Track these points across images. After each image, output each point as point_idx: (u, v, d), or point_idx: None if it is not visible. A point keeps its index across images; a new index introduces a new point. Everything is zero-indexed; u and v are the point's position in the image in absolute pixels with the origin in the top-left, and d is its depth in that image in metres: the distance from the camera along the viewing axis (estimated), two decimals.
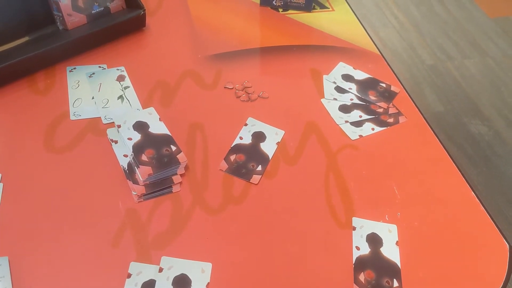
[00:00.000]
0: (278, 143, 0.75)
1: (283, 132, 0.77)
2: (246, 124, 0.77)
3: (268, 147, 0.74)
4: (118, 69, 0.82)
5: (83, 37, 0.82)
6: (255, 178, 0.70)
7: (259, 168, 0.72)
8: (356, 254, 0.64)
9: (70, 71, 0.80)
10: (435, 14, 2.86)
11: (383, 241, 0.66)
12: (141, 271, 0.59)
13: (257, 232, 0.64)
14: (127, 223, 0.63)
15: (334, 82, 0.87)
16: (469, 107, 2.30)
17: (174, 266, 0.60)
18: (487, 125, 2.21)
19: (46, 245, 0.60)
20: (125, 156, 0.70)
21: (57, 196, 0.65)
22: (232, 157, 0.72)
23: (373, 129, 0.80)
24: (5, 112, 0.74)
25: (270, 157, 0.73)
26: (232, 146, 0.74)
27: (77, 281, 0.57)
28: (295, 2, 0.99)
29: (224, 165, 0.71)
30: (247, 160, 0.72)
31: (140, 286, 0.58)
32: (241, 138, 0.75)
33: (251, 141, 0.75)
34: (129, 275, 0.59)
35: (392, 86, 0.87)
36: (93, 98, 0.77)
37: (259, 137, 0.76)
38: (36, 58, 0.78)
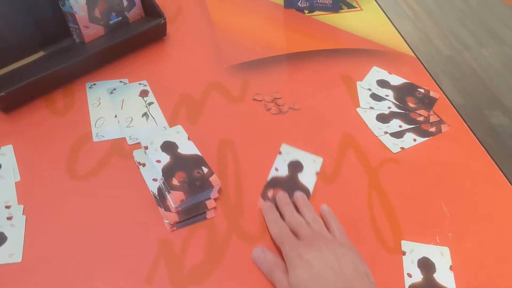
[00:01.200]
0: (317, 173, 0.68)
1: (321, 159, 0.70)
2: (280, 153, 0.70)
3: (307, 178, 0.68)
4: (140, 84, 0.77)
5: (102, 50, 0.77)
6: None
7: None
8: (408, 282, 0.59)
9: (89, 87, 0.76)
10: (449, 2, 2.78)
11: (436, 266, 0.61)
12: None
13: None
14: (161, 255, 0.59)
15: (369, 89, 0.81)
16: (489, 98, 2.23)
17: None
18: (509, 116, 2.15)
19: (75, 284, 0.56)
20: (155, 180, 0.65)
21: (83, 227, 0.60)
22: (270, 193, 0.66)
23: (415, 140, 0.75)
24: (23, 136, 0.69)
25: (311, 191, 0.66)
26: (268, 180, 0.67)
27: None
28: (321, 3, 0.93)
29: (262, 203, 0.65)
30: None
31: None
32: (276, 169, 0.68)
33: (287, 173, 0.68)
34: None
35: (431, 92, 0.82)
36: (116, 116, 0.72)
37: (296, 167, 0.69)
38: (54, 75, 0.73)
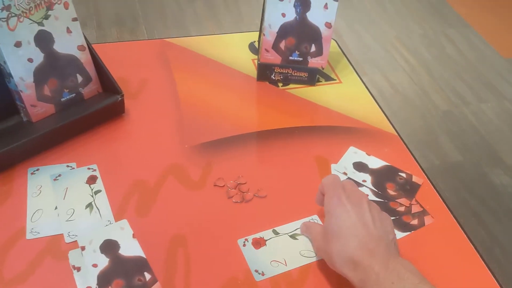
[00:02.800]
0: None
1: None
2: None
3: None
4: (89, 168, 0.70)
5: (50, 131, 0.70)
6: None
7: None
8: None
9: (32, 173, 0.68)
10: (446, 55, 2.75)
11: None
12: None
13: None
14: None
15: (345, 173, 0.74)
16: (489, 156, 2.15)
17: None
18: (510, 175, 2.06)
19: None
20: None
21: None
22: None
23: None
24: None
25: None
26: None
27: None
28: (296, 75, 0.87)
29: None
30: None
31: None
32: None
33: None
34: None
35: (413, 176, 0.74)
36: (56, 208, 0.64)
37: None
38: None
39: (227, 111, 0.82)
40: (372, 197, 0.71)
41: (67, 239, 0.61)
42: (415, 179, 0.74)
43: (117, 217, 0.64)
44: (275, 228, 0.66)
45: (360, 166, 0.75)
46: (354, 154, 0.77)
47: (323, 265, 0.62)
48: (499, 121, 2.34)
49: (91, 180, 0.68)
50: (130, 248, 0.59)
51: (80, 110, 0.74)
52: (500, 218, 1.85)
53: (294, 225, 0.66)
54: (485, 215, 1.90)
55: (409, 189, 0.72)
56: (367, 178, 0.73)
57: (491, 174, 2.07)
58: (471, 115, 2.37)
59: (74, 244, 0.61)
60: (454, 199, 1.89)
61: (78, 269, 0.58)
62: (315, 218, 0.67)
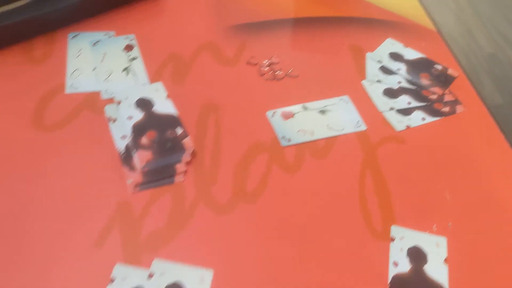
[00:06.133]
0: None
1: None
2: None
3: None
4: (127, 38, 0.71)
5: None
6: None
7: None
8: (392, 271, 0.52)
9: (72, 38, 0.70)
10: None
11: (428, 257, 0.53)
12: (127, 276, 0.49)
13: (271, 239, 0.53)
14: (117, 218, 0.53)
15: (380, 61, 0.73)
16: None
17: (167, 271, 0.50)
18: None
19: (14, 246, 0.51)
20: (124, 137, 0.59)
21: (38, 181, 0.55)
22: None
23: (423, 119, 0.66)
24: None
25: None
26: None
27: None
28: None
29: None
30: None
31: None
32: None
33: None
34: (111, 280, 0.48)
35: (449, 69, 0.73)
36: (94, 69, 0.67)
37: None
38: (34, 21, 0.68)
39: None
40: (404, 84, 0.70)
41: (104, 96, 0.64)
42: (450, 71, 0.73)
43: (152, 81, 0.66)
44: (305, 104, 0.66)
45: (396, 56, 0.74)
46: (391, 45, 0.76)
47: (348, 139, 0.63)
48: None
49: (128, 48, 0.70)
50: (164, 106, 0.62)
51: None
52: None
53: (324, 102, 0.67)
54: None
55: (444, 80, 0.71)
56: (401, 67, 0.72)
57: None
58: None
59: (110, 101, 0.64)
60: None
61: (114, 120, 0.61)
62: (345, 98, 0.68)
